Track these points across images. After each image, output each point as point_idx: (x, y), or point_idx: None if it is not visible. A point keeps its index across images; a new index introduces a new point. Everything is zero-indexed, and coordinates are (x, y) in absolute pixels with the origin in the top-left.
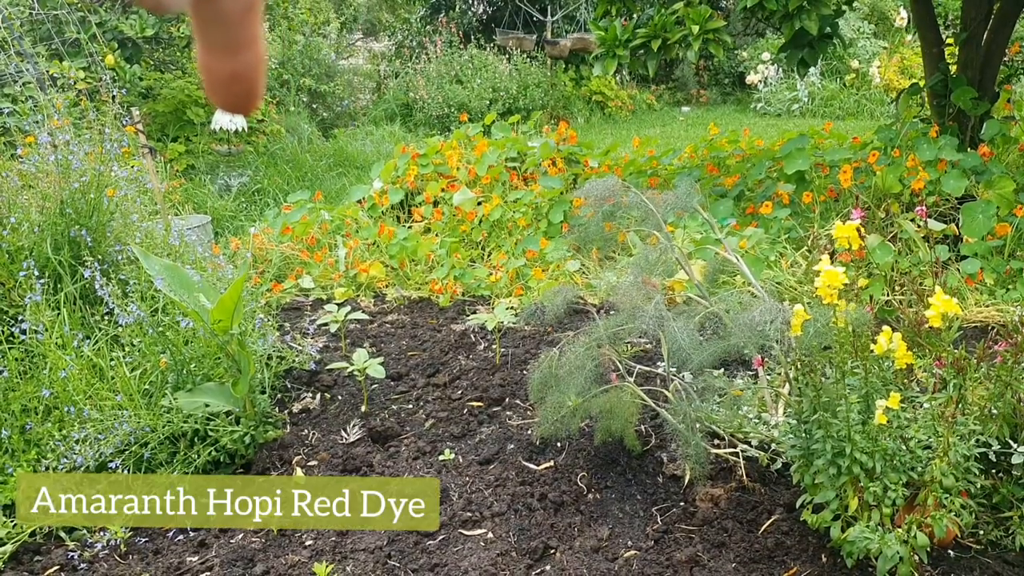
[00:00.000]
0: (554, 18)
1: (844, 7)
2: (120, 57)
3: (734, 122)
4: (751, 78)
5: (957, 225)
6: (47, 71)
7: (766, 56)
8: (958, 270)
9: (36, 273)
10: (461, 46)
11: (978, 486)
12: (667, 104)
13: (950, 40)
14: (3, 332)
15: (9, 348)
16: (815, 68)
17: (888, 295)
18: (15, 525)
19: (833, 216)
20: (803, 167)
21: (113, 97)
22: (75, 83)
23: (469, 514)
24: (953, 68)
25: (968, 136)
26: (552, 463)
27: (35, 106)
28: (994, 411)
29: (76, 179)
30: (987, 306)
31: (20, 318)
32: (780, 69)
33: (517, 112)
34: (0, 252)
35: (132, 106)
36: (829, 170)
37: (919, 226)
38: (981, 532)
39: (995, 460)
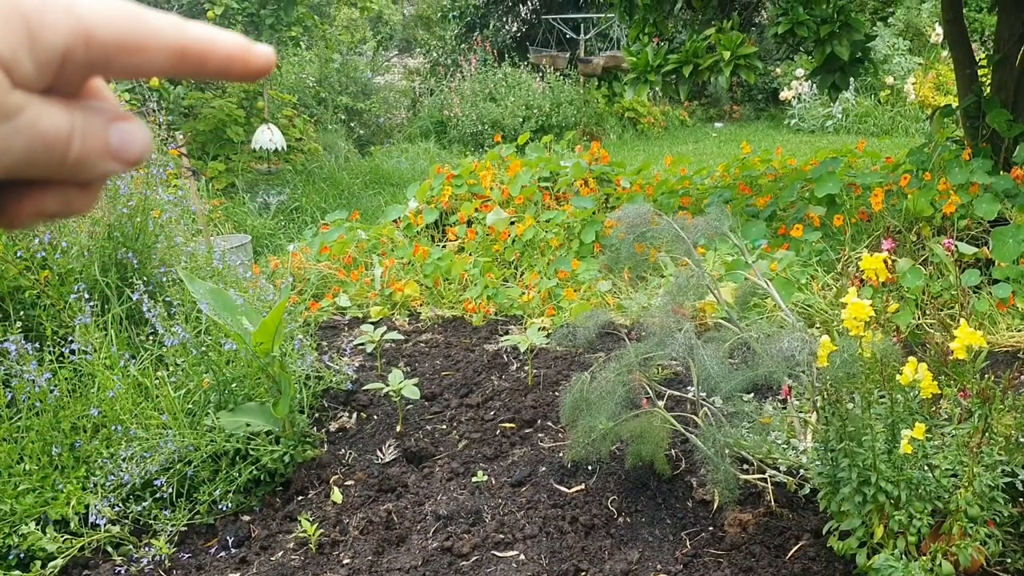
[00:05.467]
0: (587, 36)
1: (875, 28)
2: (163, 78)
3: (767, 139)
4: (785, 94)
5: (989, 248)
6: None
7: (800, 72)
8: (990, 294)
9: (86, 296)
10: (495, 64)
11: (1005, 515)
12: (700, 120)
13: (984, 60)
14: (54, 352)
15: (59, 368)
16: (849, 87)
17: (919, 319)
18: (65, 540)
19: (864, 238)
20: (833, 190)
21: (160, 123)
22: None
23: (502, 536)
24: (987, 89)
25: (1002, 158)
26: (583, 486)
27: None
28: (1021, 440)
29: (124, 204)
30: (1019, 331)
31: (70, 339)
32: (814, 86)
33: (550, 129)
34: (52, 275)
35: (176, 129)
36: (861, 191)
37: (952, 252)
38: (1008, 560)
39: (1022, 489)
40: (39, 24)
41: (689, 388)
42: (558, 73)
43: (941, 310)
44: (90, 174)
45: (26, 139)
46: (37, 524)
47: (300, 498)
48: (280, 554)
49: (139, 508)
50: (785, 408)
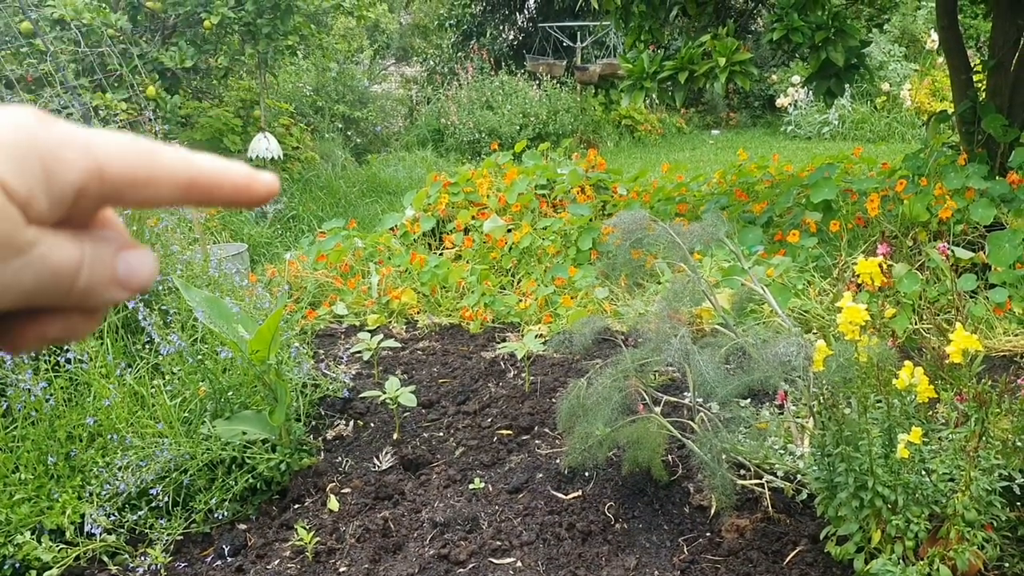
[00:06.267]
0: (583, 44)
1: (871, 34)
2: (160, 88)
3: (764, 145)
4: (781, 101)
5: (985, 253)
6: (90, 102)
7: (796, 79)
8: (986, 299)
9: None
10: (492, 72)
11: (1002, 519)
12: (697, 127)
13: (979, 66)
14: (50, 361)
15: (55, 377)
16: (844, 93)
17: (916, 324)
18: (61, 549)
19: (861, 244)
20: (829, 196)
21: (156, 132)
22: (117, 114)
23: (499, 543)
24: (982, 95)
25: (998, 163)
26: (580, 492)
27: None
28: (1018, 444)
29: (119, 212)
30: (1016, 335)
31: (65, 347)
32: (810, 92)
33: (547, 137)
34: None
35: (173, 138)
36: (858, 197)
37: (947, 257)
38: (1006, 565)
39: (1020, 493)
40: (55, 162)
41: (686, 394)
42: (555, 81)
43: (938, 315)
44: (96, 302)
45: (37, 272)
46: (32, 534)
47: (297, 506)
48: (276, 562)
49: (135, 517)
50: (782, 413)
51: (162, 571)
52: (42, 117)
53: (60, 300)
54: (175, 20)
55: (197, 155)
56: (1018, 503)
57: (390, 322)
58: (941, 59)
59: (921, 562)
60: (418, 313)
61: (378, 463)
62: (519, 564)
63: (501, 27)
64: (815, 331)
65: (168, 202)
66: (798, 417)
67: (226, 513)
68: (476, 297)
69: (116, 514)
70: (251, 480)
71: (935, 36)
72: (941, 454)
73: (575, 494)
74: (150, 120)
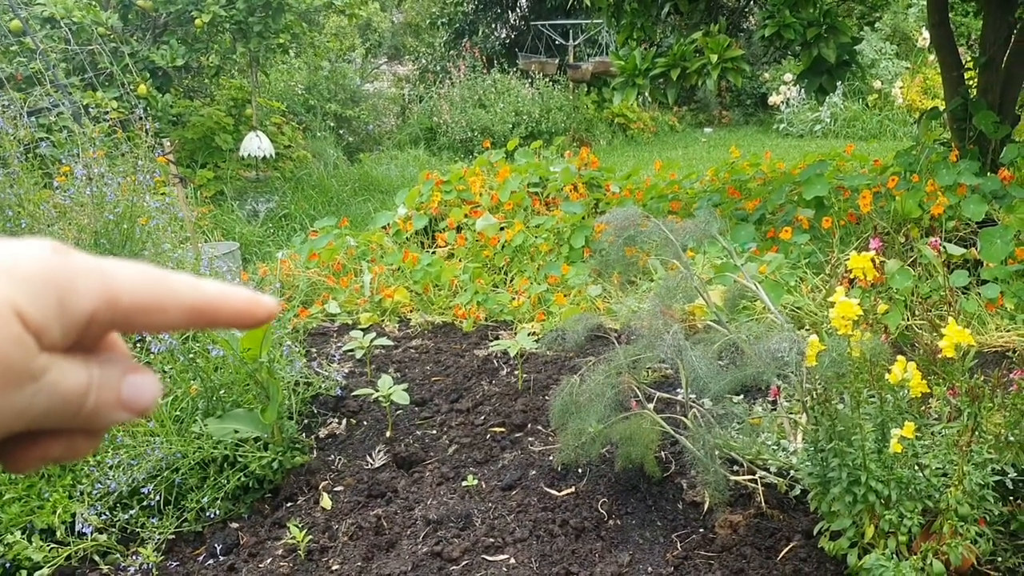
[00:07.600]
0: (576, 42)
1: (863, 32)
2: (152, 87)
3: (756, 143)
4: (773, 99)
5: (977, 249)
6: (81, 101)
7: (788, 77)
8: (978, 295)
9: None
10: (484, 70)
11: (995, 513)
12: (689, 125)
13: (970, 63)
14: None
15: None
16: (836, 90)
17: (908, 319)
18: (51, 549)
19: (853, 240)
20: (821, 193)
21: (147, 130)
22: (108, 113)
23: (492, 540)
24: (973, 92)
25: (989, 159)
26: (573, 489)
27: (69, 137)
28: (1011, 438)
29: (110, 211)
30: (1008, 331)
31: None
32: (802, 90)
33: (540, 135)
34: None
35: (164, 136)
36: (850, 194)
37: (939, 253)
38: (999, 559)
39: (1012, 487)
40: (70, 292)
41: (679, 390)
42: (547, 79)
43: (930, 311)
44: (100, 423)
45: (48, 396)
46: (23, 533)
47: (289, 504)
48: (269, 561)
49: (126, 516)
50: (775, 409)
51: (154, 570)
52: (58, 248)
53: (67, 422)
54: (166, 18)
55: (203, 281)
56: (1011, 497)
57: (383, 320)
58: (932, 57)
59: (914, 557)
60: (411, 311)
61: (371, 461)
62: (512, 561)
63: (493, 25)
64: (808, 327)
65: (175, 327)
66: (791, 413)
67: (218, 512)
68: (469, 295)
69: (107, 513)
70: (243, 478)
71: (926, 34)
72: (934, 449)
73: (568, 491)
74: (141, 119)
